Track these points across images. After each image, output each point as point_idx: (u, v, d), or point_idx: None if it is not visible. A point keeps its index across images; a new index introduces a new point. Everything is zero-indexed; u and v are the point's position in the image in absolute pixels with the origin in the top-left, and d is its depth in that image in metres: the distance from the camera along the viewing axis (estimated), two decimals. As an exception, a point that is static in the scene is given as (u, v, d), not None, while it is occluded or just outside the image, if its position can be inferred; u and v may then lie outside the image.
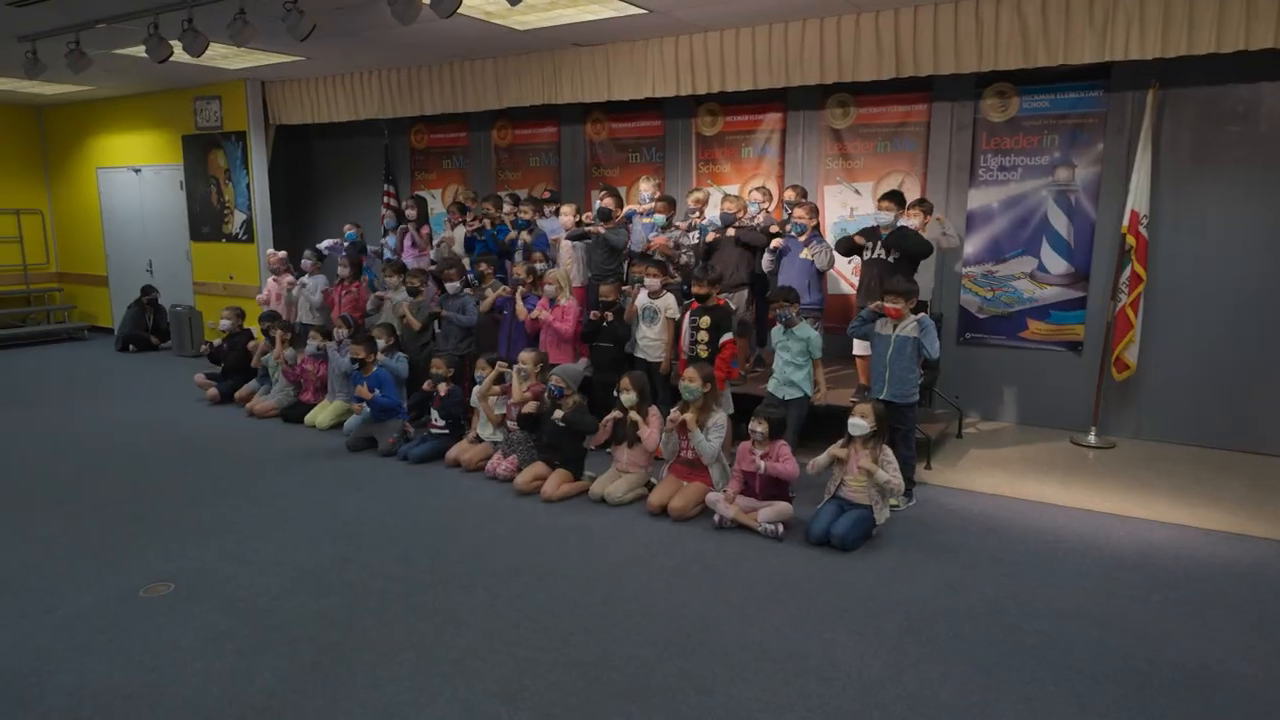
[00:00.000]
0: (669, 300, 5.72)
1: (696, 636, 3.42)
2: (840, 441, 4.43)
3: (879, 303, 4.86)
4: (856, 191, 7.10)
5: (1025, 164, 6.41)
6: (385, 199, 9.55)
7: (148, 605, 3.75)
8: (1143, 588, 3.84)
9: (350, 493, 5.15)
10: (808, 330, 5.09)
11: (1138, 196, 5.75)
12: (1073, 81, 6.15)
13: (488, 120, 9.00)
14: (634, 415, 4.88)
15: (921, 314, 4.78)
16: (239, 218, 9.73)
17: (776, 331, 5.19)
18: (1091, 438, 6.10)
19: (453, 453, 5.62)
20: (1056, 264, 6.39)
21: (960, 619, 3.55)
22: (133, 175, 10.81)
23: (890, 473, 4.26)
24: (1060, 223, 6.34)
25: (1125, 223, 5.81)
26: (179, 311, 9.90)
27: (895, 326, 4.76)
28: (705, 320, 5.36)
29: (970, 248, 6.68)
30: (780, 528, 4.37)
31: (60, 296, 11.97)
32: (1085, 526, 4.57)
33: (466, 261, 7.09)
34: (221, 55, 7.88)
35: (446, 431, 5.79)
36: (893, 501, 4.62)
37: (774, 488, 4.55)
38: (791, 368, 5.07)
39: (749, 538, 4.41)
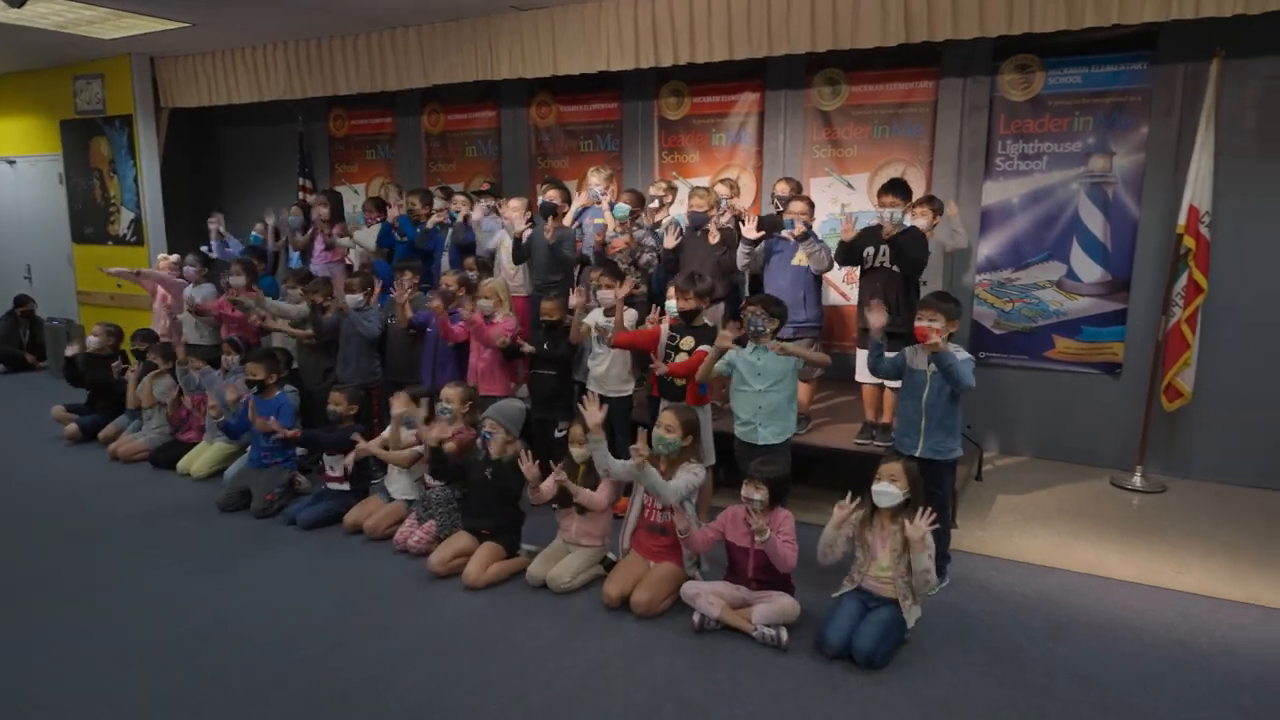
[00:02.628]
0: (629, 317, 4.55)
1: (676, 842, 2.26)
2: (851, 509, 3.30)
3: (877, 311, 3.73)
4: (849, 185, 6.02)
5: (1052, 151, 5.37)
6: (301, 194, 8.27)
7: None
8: (1287, 723, 2.79)
9: (209, 578, 3.89)
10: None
11: (1198, 189, 4.74)
12: (1110, 51, 5.13)
13: (416, 103, 7.75)
14: (568, 483, 3.71)
15: (961, 350, 3.66)
16: (126, 216, 8.33)
17: (740, 353, 3.97)
18: (1137, 479, 5.08)
19: (353, 515, 4.38)
20: (1090, 270, 5.36)
21: (1058, 796, 2.45)
22: (6, 167, 9.32)
23: (928, 559, 3.14)
24: (1095, 221, 5.31)
25: (1182, 221, 4.79)
26: (56, 326, 8.46)
27: (931, 358, 3.65)
28: (689, 342, 4.21)
29: (985, 251, 5.64)
30: (783, 633, 3.23)
31: (-70, 307, 10.40)
32: (1170, 614, 3.51)
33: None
34: (87, 20, 6.53)
35: (346, 487, 4.54)
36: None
37: (771, 570, 3.41)
38: (775, 398, 3.91)
39: (741, 645, 3.26)
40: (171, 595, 3.71)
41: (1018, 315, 5.58)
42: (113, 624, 3.47)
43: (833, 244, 4.64)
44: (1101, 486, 5.13)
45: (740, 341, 3.97)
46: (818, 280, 4.76)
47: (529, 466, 3.74)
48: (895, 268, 4.31)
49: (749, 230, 4.63)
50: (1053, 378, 5.52)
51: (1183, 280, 4.83)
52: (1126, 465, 5.22)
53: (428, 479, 4.33)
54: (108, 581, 3.86)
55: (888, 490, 3.18)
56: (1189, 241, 4.77)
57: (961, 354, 3.61)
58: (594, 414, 3.51)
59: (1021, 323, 5.57)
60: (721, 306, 5.01)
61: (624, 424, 4.68)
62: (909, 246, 4.29)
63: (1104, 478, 5.24)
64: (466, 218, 5.94)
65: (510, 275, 5.51)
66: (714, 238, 4.85)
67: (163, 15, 6.30)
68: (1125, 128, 5.17)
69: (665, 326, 4.40)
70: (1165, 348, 4.93)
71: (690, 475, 3.62)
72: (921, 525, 3.08)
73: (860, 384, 4.66)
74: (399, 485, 4.47)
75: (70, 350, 6.16)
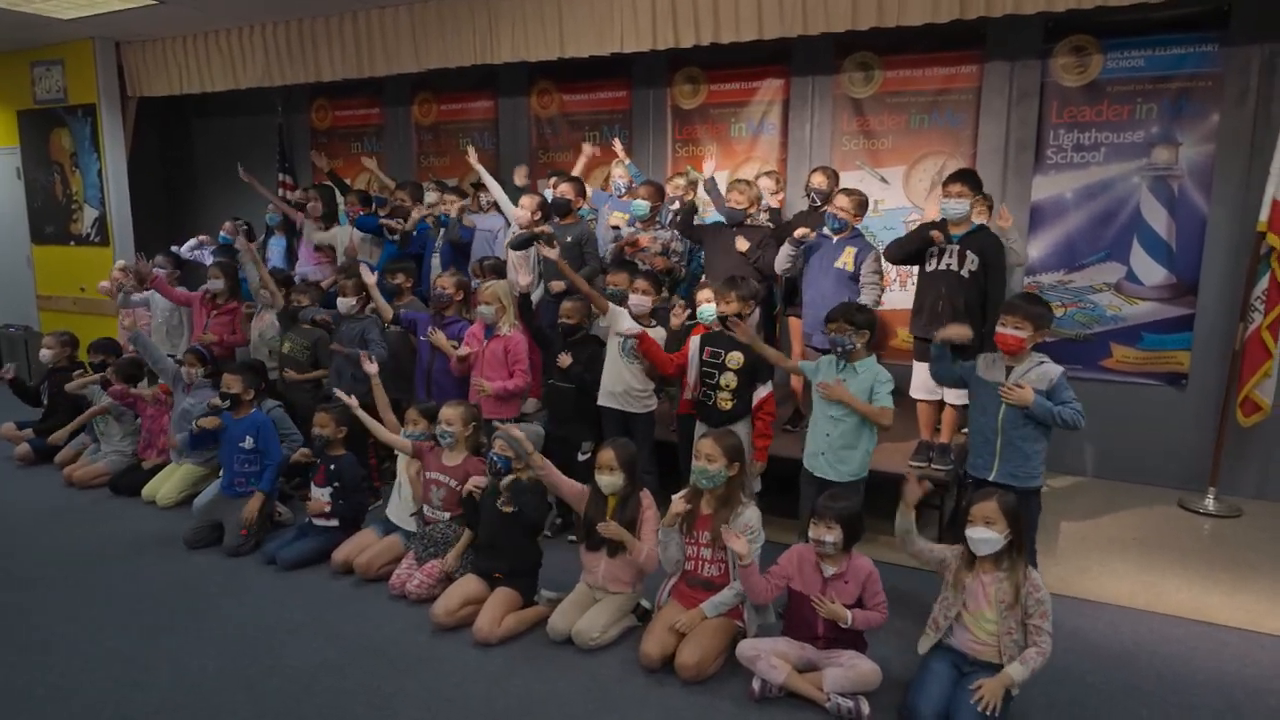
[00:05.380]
0: (657, 335, 4.02)
1: None
2: (950, 553, 2.82)
3: (955, 330, 3.26)
4: (884, 180, 5.52)
5: (1111, 142, 4.90)
6: (281, 191, 7.68)
7: None
8: None
9: (172, 632, 3.31)
10: (875, 367, 3.45)
11: (1283, 182, 4.30)
12: (1176, 31, 4.67)
13: (406, 91, 7.19)
14: (614, 529, 3.17)
15: (1047, 361, 3.19)
16: (90, 214, 7.69)
17: (821, 367, 3.54)
18: (1209, 502, 4.61)
19: (342, 553, 3.81)
20: (1152, 272, 4.90)
21: None
22: (-40, 162, 8.64)
23: (1044, 638, 2.65)
24: (1158, 218, 4.85)
25: (1264, 217, 4.34)
26: (12, 334, 7.81)
27: (1010, 371, 3.17)
28: (736, 357, 3.69)
29: (1035, 251, 5.16)
30: (864, 705, 2.71)
31: (-121, 312, 9.68)
32: (1301, 671, 3.04)
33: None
34: (42, -3, 5.93)
35: (335, 523, 3.97)
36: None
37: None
38: (845, 427, 3.42)
39: (811, 717, 2.74)
40: (127, 654, 3.13)
41: (1071, 321, 5.11)
42: (58, 692, 2.89)
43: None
44: (1170, 510, 4.66)
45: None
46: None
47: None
48: (966, 271, 3.81)
49: (799, 231, 4.13)
50: (1110, 389, 5.04)
51: (1264, 283, 4.37)
52: (1194, 485, 4.76)
53: (427, 512, 3.78)
54: (54, 637, 3.27)
55: (986, 537, 2.67)
56: (1273, 240, 4.31)
57: (1050, 372, 3.12)
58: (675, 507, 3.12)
59: (1075, 329, 5.10)
60: (756, 312, 4.49)
61: (647, 442, 4.15)
62: (993, 259, 3.79)
63: (1170, 499, 4.77)
64: (462, 211, 5.41)
65: (516, 278, 4.98)
66: (741, 246, 4.33)
67: (125, -11, 5.72)
68: (1193, 115, 4.71)
69: (694, 341, 3.89)
70: (1243, 357, 4.48)
71: (753, 544, 3.06)
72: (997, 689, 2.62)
73: (915, 400, 4.16)
74: (396, 508, 3.90)
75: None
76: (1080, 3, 4.15)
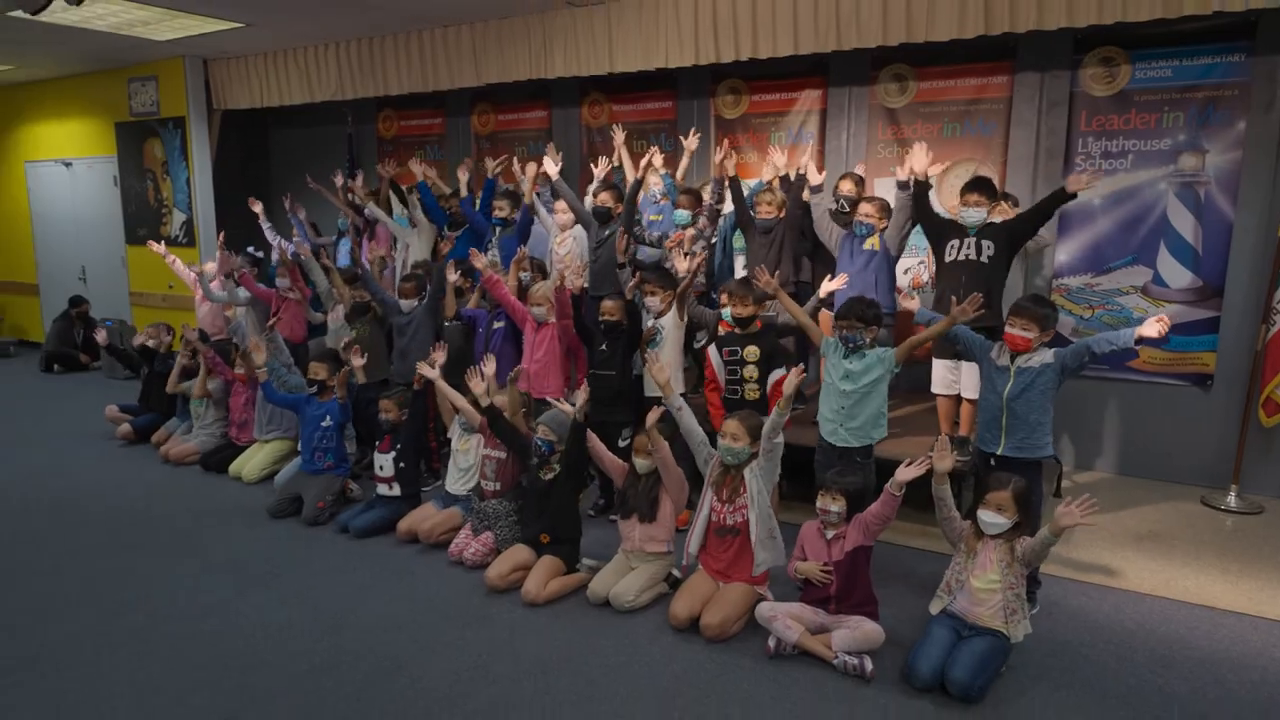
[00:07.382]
0: (668, 321, 4.39)
1: None
2: (965, 525, 3.12)
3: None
4: (917, 185, 5.74)
5: (1139, 149, 5.06)
6: (350, 194, 8.21)
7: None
8: None
9: (257, 589, 3.76)
10: (885, 351, 3.74)
11: (1304, 189, 4.43)
12: (1203, 42, 4.82)
13: (466, 103, 7.66)
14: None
15: (1056, 349, 3.43)
16: (178, 218, 8.36)
17: (829, 346, 3.83)
18: (1231, 499, 4.75)
19: (407, 523, 4.24)
20: (1178, 276, 5.05)
21: None
22: (63, 169, 9.43)
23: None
24: (1184, 223, 5.00)
25: (1285, 223, 4.48)
26: (109, 327, 8.49)
27: (1016, 357, 3.43)
28: (753, 350, 4.01)
29: (1064, 255, 5.34)
30: (867, 663, 3.01)
31: (-12, 307, 10.59)
32: (1292, 651, 3.22)
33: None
34: (143, 21, 6.53)
35: (397, 493, 4.40)
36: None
37: (854, 591, 3.18)
38: (853, 401, 3.71)
39: (820, 674, 3.04)
40: (214, 609, 3.59)
41: (1099, 323, 5.27)
42: (158, 640, 3.35)
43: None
44: (1192, 506, 4.80)
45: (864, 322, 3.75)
46: (889, 266, 4.51)
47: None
48: (985, 257, 4.06)
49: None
50: (1137, 389, 5.21)
51: (1285, 287, 4.51)
52: (1217, 483, 4.90)
53: (484, 484, 4.17)
54: (153, 593, 3.74)
55: (995, 521, 2.98)
56: (1293, 245, 4.45)
57: (1046, 355, 3.36)
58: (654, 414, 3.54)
59: (1103, 331, 5.26)
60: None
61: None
62: (1002, 229, 4.09)
63: (1193, 497, 4.91)
64: (510, 220, 5.81)
65: (564, 267, 5.38)
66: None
67: (217, 15, 6.27)
68: (1219, 124, 4.85)
69: (712, 351, 4.22)
70: (1265, 359, 4.61)
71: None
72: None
73: (935, 395, 4.42)
74: (456, 479, 4.33)
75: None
76: (1101, 18, 4.35)
